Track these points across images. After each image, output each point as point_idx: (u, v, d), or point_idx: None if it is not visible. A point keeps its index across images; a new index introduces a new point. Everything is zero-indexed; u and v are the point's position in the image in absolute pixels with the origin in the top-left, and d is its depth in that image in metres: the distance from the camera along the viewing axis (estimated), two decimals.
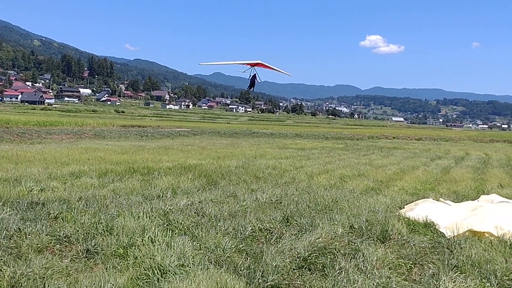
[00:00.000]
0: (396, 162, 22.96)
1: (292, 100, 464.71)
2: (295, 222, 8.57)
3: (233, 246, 6.81)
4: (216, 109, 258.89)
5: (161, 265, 5.79)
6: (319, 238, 7.19)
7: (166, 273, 5.65)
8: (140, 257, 6.12)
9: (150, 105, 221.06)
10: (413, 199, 11.65)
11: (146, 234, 6.95)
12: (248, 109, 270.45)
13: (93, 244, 6.63)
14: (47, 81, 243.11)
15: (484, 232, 8.05)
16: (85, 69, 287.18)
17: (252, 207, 9.80)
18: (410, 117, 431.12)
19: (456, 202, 11.21)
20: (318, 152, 29.25)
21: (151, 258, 6.01)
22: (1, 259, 5.82)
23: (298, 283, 5.72)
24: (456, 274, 5.95)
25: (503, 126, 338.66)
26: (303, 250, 6.64)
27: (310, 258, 6.42)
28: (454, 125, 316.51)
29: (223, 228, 7.79)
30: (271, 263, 6.04)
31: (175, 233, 7.38)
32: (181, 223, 8.00)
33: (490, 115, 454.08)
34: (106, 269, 5.74)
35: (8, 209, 8.06)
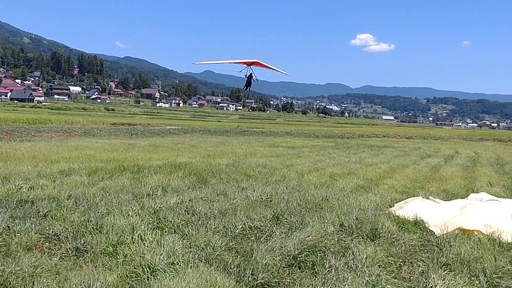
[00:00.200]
0: (386, 161, 23.04)
1: (282, 98, 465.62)
2: (285, 220, 8.58)
3: (223, 244, 6.82)
4: (206, 107, 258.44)
5: (151, 263, 5.78)
6: (309, 236, 7.21)
7: (156, 271, 5.63)
8: (130, 255, 6.09)
9: (140, 103, 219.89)
10: (403, 197, 11.71)
11: (136, 232, 6.94)
12: (238, 108, 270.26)
13: (82, 242, 6.60)
14: (37, 78, 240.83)
15: (473, 230, 8.12)
16: (75, 66, 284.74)
17: (242, 205, 9.79)
18: (400, 115, 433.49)
19: (445, 200, 11.30)
20: (308, 150, 29.29)
21: (141, 256, 5.99)
22: None
23: (288, 281, 5.73)
24: (445, 272, 6.00)
25: (492, 124, 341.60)
26: (293, 248, 6.66)
27: (300, 256, 6.44)
28: (444, 123, 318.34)
29: (213, 226, 7.78)
30: (261, 261, 6.04)
31: (165, 231, 7.36)
32: (171, 221, 7.98)
33: (479, 114, 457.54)
34: (95, 268, 5.71)
35: None
